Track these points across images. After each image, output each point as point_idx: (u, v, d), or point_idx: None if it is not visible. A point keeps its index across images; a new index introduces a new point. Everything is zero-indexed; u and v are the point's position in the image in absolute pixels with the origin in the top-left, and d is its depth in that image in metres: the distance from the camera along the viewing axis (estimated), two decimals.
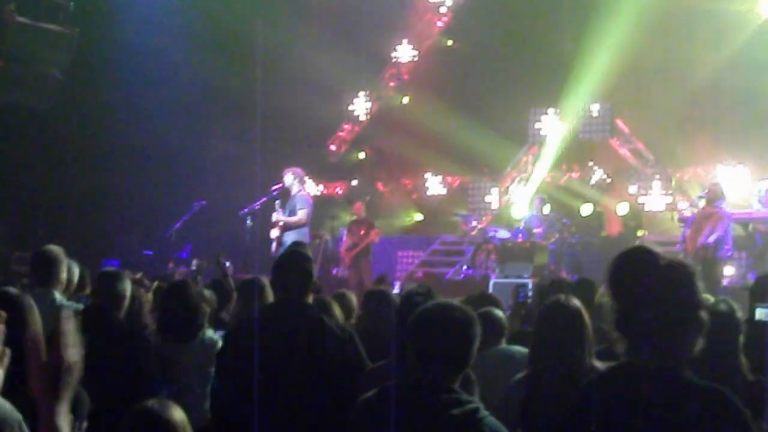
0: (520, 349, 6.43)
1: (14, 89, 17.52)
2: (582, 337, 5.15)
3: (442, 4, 23.36)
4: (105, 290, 6.77)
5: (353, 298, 8.84)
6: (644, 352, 3.44)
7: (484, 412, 4.03)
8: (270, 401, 5.56)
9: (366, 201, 19.87)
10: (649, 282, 3.46)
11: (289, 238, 16.03)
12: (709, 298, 3.46)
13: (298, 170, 16.33)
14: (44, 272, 7.16)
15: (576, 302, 5.35)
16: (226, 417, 5.86)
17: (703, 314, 3.45)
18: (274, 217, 16.17)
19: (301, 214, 15.77)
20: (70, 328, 2.61)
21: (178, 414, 3.87)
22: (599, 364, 4.92)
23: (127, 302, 6.83)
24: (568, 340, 5.14)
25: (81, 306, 7.11)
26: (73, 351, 2.60)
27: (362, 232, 18.50)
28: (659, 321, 3.41)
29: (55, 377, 2.57)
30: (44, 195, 18.83)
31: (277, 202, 15.99)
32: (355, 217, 19.27)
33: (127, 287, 6.85)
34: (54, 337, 2.58)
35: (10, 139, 18.14)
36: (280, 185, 16.24)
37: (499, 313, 7.07)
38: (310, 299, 6.06)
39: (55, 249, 7.26)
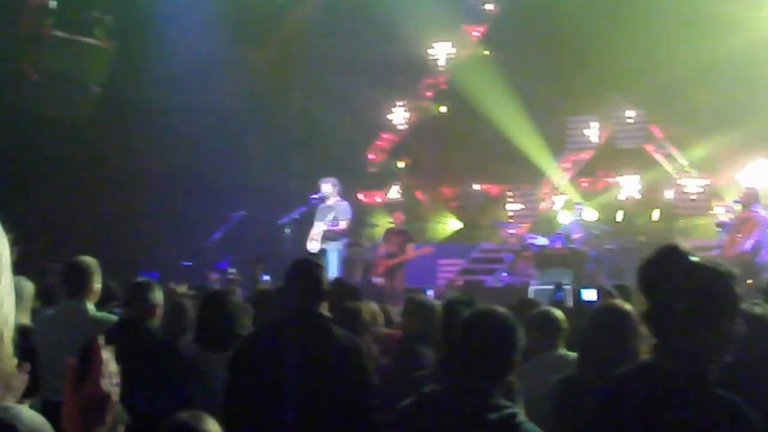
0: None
1: (52, 103, 17.63)
2: (633, 342, 4.91)
3: (479, 15, 23.35)
4: (137, 301, 6.78)
5: (387, 308, 8.87)
6: (670, 352, 3.38)
7: (522, 417, 4.03)
8: (275, 410, 5.54)
9: (405, 212, 19.84)
10: (678, 276, 3.41)
11: (330, 246, 16.13)
12: None
13: (336, 180, 16.44)
14: (76, 283, 7.10)
15: (628, 306, 5.26)
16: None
17: (735, 320, 3.38)
18: (316, 227, 16.24)
19: (344, 224, 15.99)
20: (106, 357, 2.33)
21: (212, 426, 3.87)
22: None
23: (160, 311, 6.83)
24: (620, 344, 4.97)
25: (114, 318, 7.12)
26: (110, 382, 2.32)
27: (400, 242, 18.42)
28: (686, 316, 3.34)
29: (89, 411, 2.29)
30: (83, 207, 18.89)
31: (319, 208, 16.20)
32: (393, 226, 19.18)
33: (159, 296, 6.83)
34: (89, 366, 2.30)
35: (48, 153, 18.26)
36: (319, 195, 16.31)
37: (559, 313, 6.78)
38: (323, 307, 5.91)
39: (87, 260, 7.18)
